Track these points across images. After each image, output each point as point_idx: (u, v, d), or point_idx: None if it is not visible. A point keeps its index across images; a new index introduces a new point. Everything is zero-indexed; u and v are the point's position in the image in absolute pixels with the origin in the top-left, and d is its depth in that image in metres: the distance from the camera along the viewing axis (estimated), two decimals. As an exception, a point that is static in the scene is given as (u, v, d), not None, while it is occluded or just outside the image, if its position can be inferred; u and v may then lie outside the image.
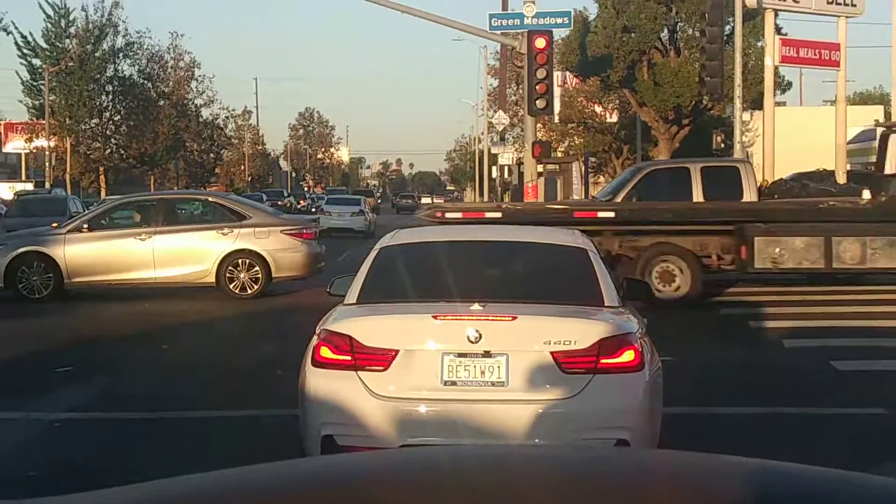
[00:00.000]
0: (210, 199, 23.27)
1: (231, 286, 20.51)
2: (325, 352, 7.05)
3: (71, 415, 10.47)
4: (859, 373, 12.33)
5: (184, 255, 20.34)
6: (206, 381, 12.41)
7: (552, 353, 6.85)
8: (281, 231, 21.00)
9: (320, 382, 7.03)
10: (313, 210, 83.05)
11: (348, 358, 6.96)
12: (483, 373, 6.90)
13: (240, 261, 20.59)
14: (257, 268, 20.59)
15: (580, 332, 6.97)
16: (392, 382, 6.89)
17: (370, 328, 7.15)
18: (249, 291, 20.52)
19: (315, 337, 7.28)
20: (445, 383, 6.90)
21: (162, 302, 20.03)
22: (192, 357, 14.34)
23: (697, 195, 20.69)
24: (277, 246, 20.74)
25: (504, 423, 6.74)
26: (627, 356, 6.92)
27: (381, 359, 6.93)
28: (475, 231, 11.41)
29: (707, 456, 1.77)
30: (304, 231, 21.53)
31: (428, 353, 6.99)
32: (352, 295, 7.71)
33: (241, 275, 20.57)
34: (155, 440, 9.33)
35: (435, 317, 7.10)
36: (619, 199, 20.99)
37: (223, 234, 20.66)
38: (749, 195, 20.74)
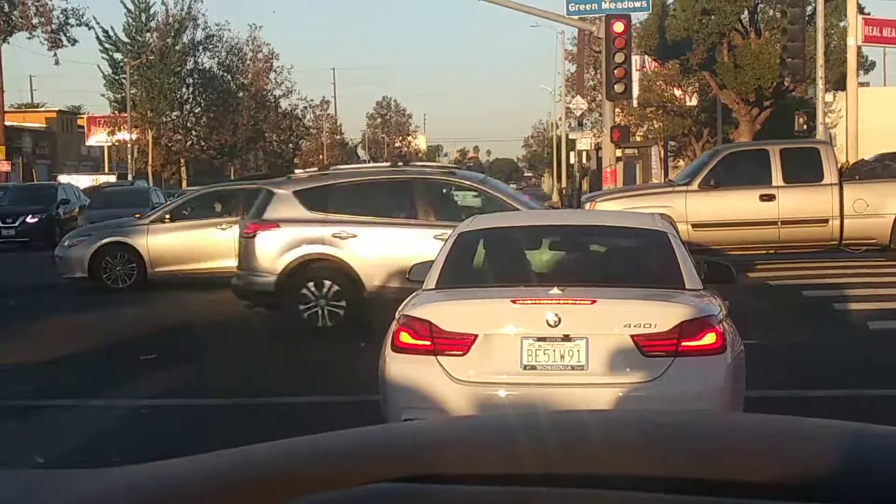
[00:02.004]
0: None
1: None
2: (405, 337, 7.09)
3: (155, 401, 10.61)
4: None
5: None
6: (290, 367, 12.50)
7: (632, 336, 6.82)
8: None
9: (400, 367, 7.09)
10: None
11: (428, 343, 7.00)
12: (563, 357, 6.89)
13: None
14: None
15: (660, 315, 6.93)
16: (471, 367, 6.92)
17: (449, 313, 7.16)
18: None
19: (395, 322, 7.32)
20: (525, 367, 6.90)
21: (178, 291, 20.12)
22: (270, 344, 14.44)
23: (777, 177, 20.49)
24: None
25: (584, 407, 6.62)
26: (709, 339, 6.86)
27: (460, 343, 6.95)
28: (554, 216, 11.42)
29: (794, 419, 1.75)
30: None
31: (507, 337, 6.98)
32: (430, 280, 7.74)
33: None
34: (242, 426, 9.42)
35: (514, 301, 7.08)
36: (696, 183, 20.84)
37: None
38: (829, 177, 20.49)
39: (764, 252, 21.31)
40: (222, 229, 20.62)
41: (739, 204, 20.47)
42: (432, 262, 8.11)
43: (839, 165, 21.42)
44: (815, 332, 13.86)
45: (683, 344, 6.81)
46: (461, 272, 7.83)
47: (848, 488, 1.42)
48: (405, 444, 1.67)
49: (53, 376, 12.17)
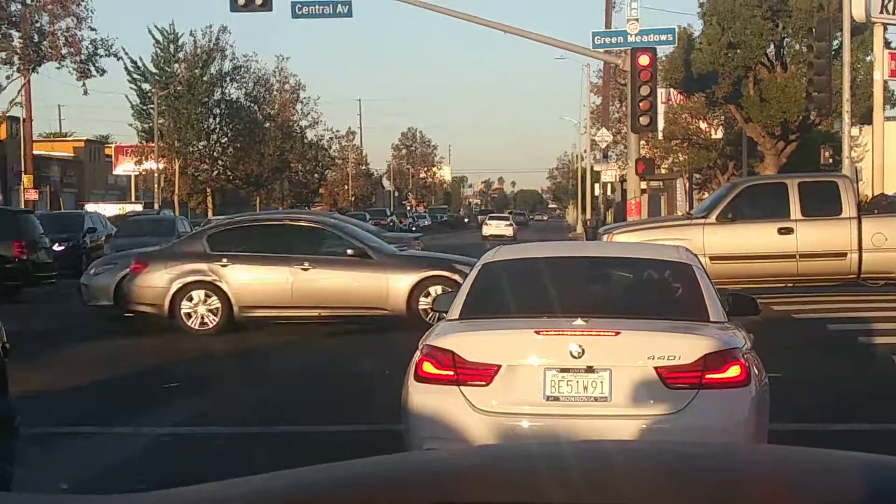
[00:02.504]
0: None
1: None
2: (428, 367, 7.09)
3: (177, 429, 10.64)
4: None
5: None
6: (310, 396, 12.52)
7: (656, 368, 6.81)
8: None
9: (423, 397, 7.09)
10: (413, 228, 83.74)
11: (451, 373, 6.99)
12: (586, 388, 6.88)
13: None
14: None
15: (685, 346, 6.93)
16: (494, 397, 6.90)
17: (472, 343, 7.16)
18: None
19: (418, 352, 7.32)
20: (548, 398, 6.90)
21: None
22: (295, 372, 14.47)
23: (795, 211, 20.47)
24: None
25: (608, 438, 6.57)
26: (733, 371, 6.85)
27: (483, 374, 6.95)
28: (578, 247, 11.45)
29: (819, 451, 1.75)
30: (407, 248, 21.61)
31: (530, 368, 6.98)
32: (454, 311, 7.74)
33: None
34: (265, 454, 9.43)
35: (537, 332, 7.08)
36: (714, 215, 20.82)
37: None
38: (848, 210, 20.45)
39: (782, 286, 21.24)
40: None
41: (757, 237, 20.44)
42: (457, 292, 8.16)
43: (858, 199, 21.38)
44: (840, 366, 13.79)
45: (707, 376, 6.80)
46: (485, 302, 7.81)
47: None
48: (427, 472, 1.68)
49: (78, 403, 12.22)
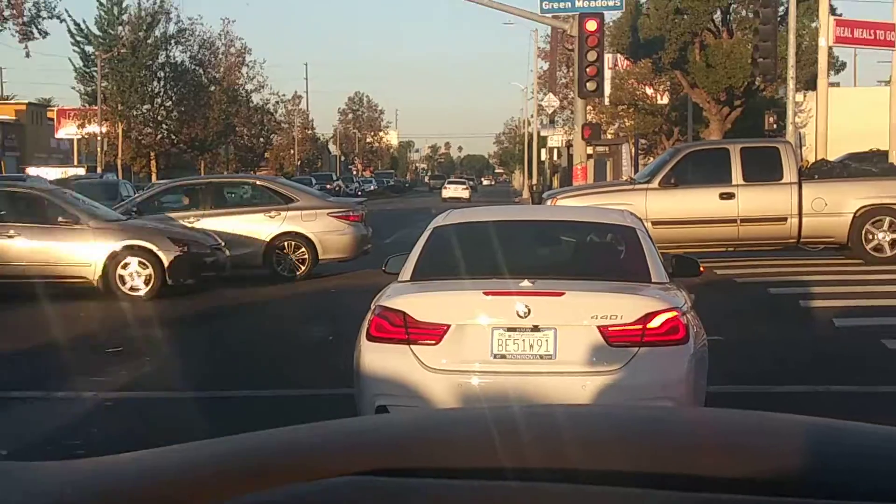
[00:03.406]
0: (258, 182, 23.44)
1: (278, 268, 20.67)
2: (380, 327, 7.31)
3: (121, 394, 10.57)
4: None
5: (232, 237, 20.46)
6: (256, 360, 12.48)
7: (599, 327, 7.06)
8: (328, 214, 21.09)
9: (374, 356, 7.30)
10: (359, 193, 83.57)
11: (402, 332, 7.22)
12: (532, 346, 7.13)
13: (287, 243, 20.76)
14: (304, 250, 20.74)
15: (626, 306, 7.18)
16: (444, 356, 7.14)
17: (423, 304, 7.38)
18: (297, 273, 20.65)
19: (370, 313, 7.51)
20: (495, 356, 7.13)
21: (208, 283, 20.10)
22: (241, 337, 14.42)
23: (737, 176, 20.66)
24: (324, 228, 20.86)
25: (552, 395, 6.93)
26: (672, 330, 7.12)
27: (433, 333, 7.18)
28: (527, 211, 11.63)
29: (761, 413, 1.76)
30: (351, 214, 21.54)
31: (478, 327, 7.20)
32: (406, 273, 7.98)
33: (289, 256, 20.73)
34: (206, 419, 9.38)
35: (485, 293, 7.32)
36: (657, 181, 20.96)
37: (270, 216, 20.79)
38: (789, 176, 20.68)
39: (724, 250, 21.43)
40: (190, 223, 20.56)
41: (699, 202, 20.60)
42: (407, 254, 8.29)
43: (799, 165, 21.59)
44: (782, 330, 13.93)
45: (648, 334, 7.05)
46: (435, 265, 8.01)
47: (810, 483, 1.43)
48: (377, 436, 1.67)
49: (16, 368, 12.12)
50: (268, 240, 20.69)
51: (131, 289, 18.13)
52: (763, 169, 20.76)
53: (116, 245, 18.24)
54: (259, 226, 20.81)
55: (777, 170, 20.75)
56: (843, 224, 20.74)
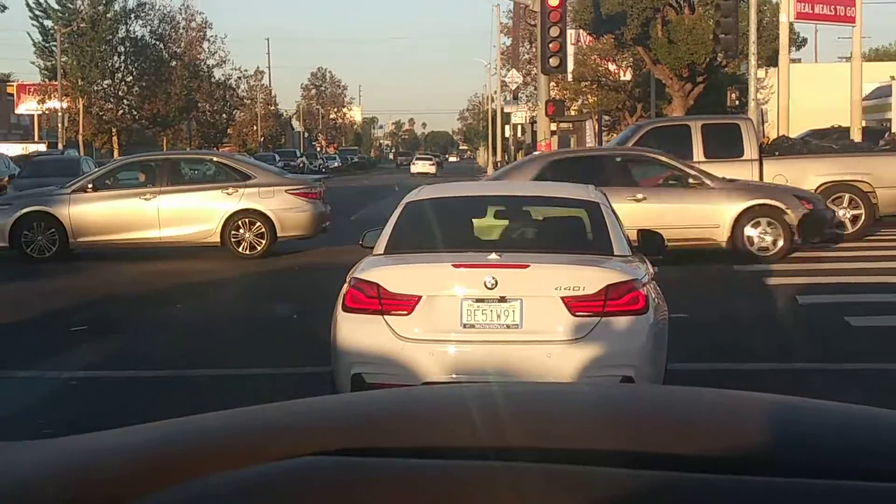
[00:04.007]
0: (214, 158, 23.21)
1: (236, 245, 20.52)
2: (355, 298, 7.66)
3: (87, 373, 10.51)
4: (874, 328, 12.29)
5: (189, 214, 20.33)
6: (220, 339, 12.44)
7: (562, 297, 7.42)
8: (286, 191, 20.93)
9: (350, 326, 7.65)
10: (323, 170, 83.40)
11: (375, 304, 7.55)
12: (499, 316, 7.49)
13: (245, 220, 20.58)
14: (262, 227, 20.56)
15: (588, 278, 7.53)
16: (416, 325, 7.49)
17: (395, 276, 7.71)
18: (255, 251, 20.52)
19: (346, 284, 7.87)
20: (465, 326, 7.50)
21: (167, 262, 20.03)
22: (203, 316, 14.37)
23: (698, 153, 20.76)
24: (282, 206, 20.67)
25: (518, 362, 7.39)
26: (632, 300, 7.48)
27: (405, 304, 7.52)
28: (495, 186, 12.67)
29: (725, 391, 1.77)
30: (310, 191, 21.41)
31: (448, 298, 7.56)
32: (380, 246, 8.33)
33: (246, 234, 20.56)
34: (172, 398, 9.36)
35: (455, 265, 7.67)
36: None
37: (228, 193, 20.60)
38: (750, 152, 20.80)
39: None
40: (146, 199, 20.42)
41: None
42: (382, 228, 8.59)
43: (760, 141, 21.70)
44: (746, 307, 14.00)
45: (609, 305, 7.41)
46: (407, 238, 8.34)
47: (775, 461, 1.44)
48: (346, 415, 1.67)
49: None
50: (225, 217, 20.48)
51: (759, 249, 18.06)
52: (724, 145, 20.85)
53: (745, 204, 18.09)
54: (216, 203, 20.59)
55: (738, 146, 20.86)
56: None
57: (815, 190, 20.79)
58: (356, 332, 7.61)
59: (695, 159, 20.64)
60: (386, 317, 7.52)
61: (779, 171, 20.79)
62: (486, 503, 1.37)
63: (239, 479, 1.44)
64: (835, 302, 13.93)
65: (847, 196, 21.09)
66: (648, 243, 9.19)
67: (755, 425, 1.54)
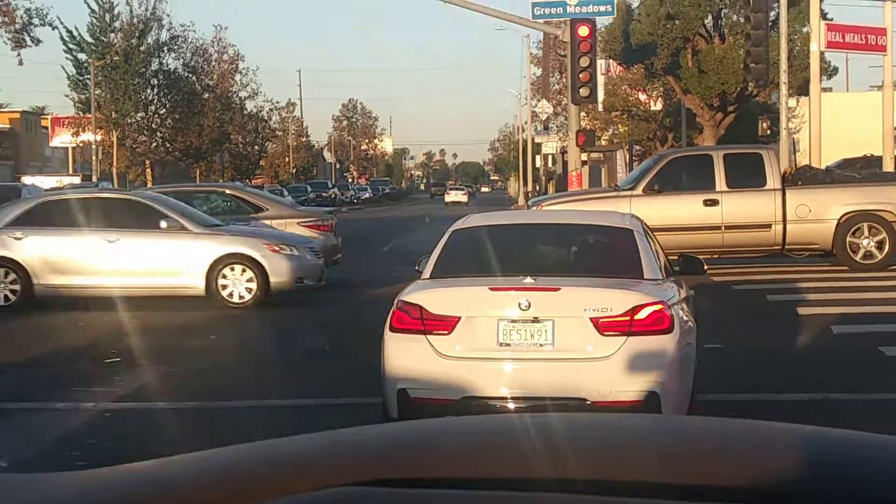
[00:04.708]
0: (227, 191, 23.15)
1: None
2: (400, 319, 8.24)
3: (119, 405, 10.55)
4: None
5: None
6: (255, 371, 12.47)
7: (591, 318, 7.91)
8: (298, 223, 20.94)
9: (396, 345, 8.23)
10: (355, 201, 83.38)
11: (419, 324, 8.10)
12: (532, 336, 8.00)
13: None
14: None
15: (616, 300, 8.01)
16: (455, 344, 8.03)
17: (437, 299, 8.28)
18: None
19: (393, 306, 8.41)
20: (500, 345, 8.01)
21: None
22: (239, 347, 14.40)
23: (720, 183, 20.75)
24: None
25: (550, 379, 7.90)
26: (658, 321, 7.92)
27: (446, 324, 8.07)
28: (536, 215, 13.53)
29: (757, 422, 1.77)
30: (322, 223, 21.39)
31: (486, 319, 8.09)
32: (427, 271, 8.97)
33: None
34: (211, 430, 9.38)
35: (492, 289, 8.24)
36: (641, 187, 21.00)
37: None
38: (772, 182, 20.75)
39: (708, 257, 21.44)
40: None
41: (683, 208, 20.62)
42: (430, 255, 9.22)
43: (782, 171, 21.67)
44: (780, 337, 13.93)
45: (635, 325, 7.87)
46: (451, 264, 8.95)
47: (805, 492, 1.44)
48: (376, 446, 1.67)
49: (15, 379, 12.10)
50: None
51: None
52: (746, 175, 20.83)
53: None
54: None
55: (760, 176, 20.84)
56: (827, 231, 20.82)
57: (840, 219, 20.75)
58: (401, 350, 8.17)
59: (717, 189, 20.64)
60: (428, 336, 8.04)
61: (802, 201, 20.75)
62: None
63: None
64: (869, 332, 13.83)
65: (866, 225, 20.99)
66: (688, 266, 10.07)
67: (784, 456, 1.54)
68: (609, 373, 7.80)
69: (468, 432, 1.77)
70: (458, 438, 1.71)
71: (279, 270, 18.04)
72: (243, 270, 18.00)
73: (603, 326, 7.87)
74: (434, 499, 1.45)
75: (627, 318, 7.86)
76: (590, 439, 1.67)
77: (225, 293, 18.00)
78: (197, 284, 17.93)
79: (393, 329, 8.26)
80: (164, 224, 18.15)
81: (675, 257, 10.33)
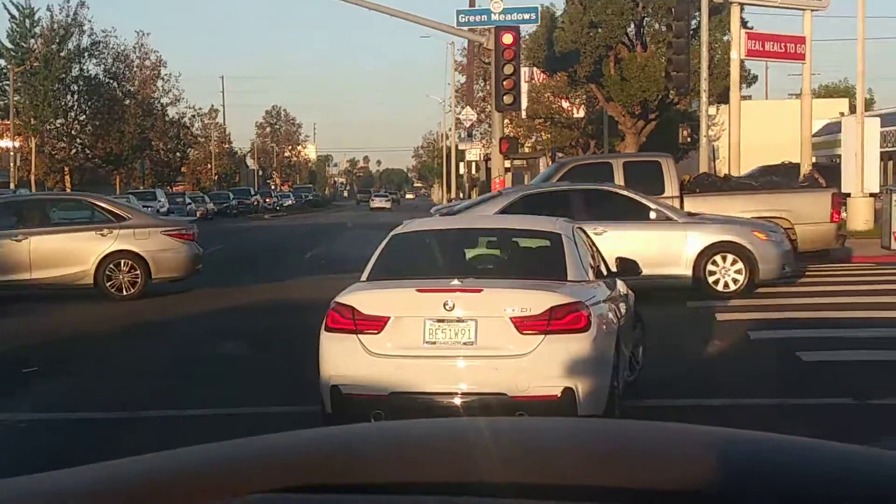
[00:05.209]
0: (88, 199, 22.62)
1: (110, 287, 20.26)
2: (334, 319, 8.63)
3: (35, 415, 10.40)
4: (825, 363, 12.37)
5: (62, 255, 20.09)
6: (179, 379, 12.35)
7: (511, 318, 8.32)
8: (161, 232, 20.83)
9: (330, 344, 8.63)
10: (277, 208, 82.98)
11: (351, 324, 8.49)
12: (457, 334, 8.40)
13: (120, 261, 20.34)
14: (137, 268, 20.32)
15: (534, 301, 8.41)
16: (385, 343, 8.42)
17: (368, 300, 8.69)
18: (129, 292, 20.25)
19: (329, 307, 8.78)
20: (427, 343, 8.42)
21: (36, 303, 19.78)
22: (154, 356, 14.27)
23: None
24: (158, 247, 20.53)
25: (472, 375, 8.37)
26: (574, 320, 8.34)
27: (376, 324, 8.46)
28: (474, 220, 14.18)
29: (675, 425, 1.78)
30: (185, 232, 21.28)
31: (413, 319, 8.48)
32: (364, 274, 9.37)
33: (121, 276, 20.30)
34: (127, 440, 9.27)
35: (419, 290, 8.65)
36: None
37: (102, 234, 20.41)
38: (670, 189, 21.11)
39: None
40: (17, 240, 20.16)
41: None
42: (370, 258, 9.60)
43: (680, 178, 22.01)
44: (699, 342, 14.07)
45: (553, 324, 8.26)
46: (387, 267, 9.37)
47: (722, 493, 1.44)
48: (295, 454, 1.66)
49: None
50: (99, 258, 20.21)
51: None
52: (645, 182, 21.08)
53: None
54: (89, 244, 20.33)
55: (659, 183, 21.19)
56: None
57: None
58: (334, 349, 8.56)
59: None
60: (359, 335, 8.44)
61: (700, 209, 21.14)
62: None
63: None
64: (786, 337, 14.01)
65: None
66: (626, 268, 10.62)
67: (720, 459, 1.55)
68: (527, 369, 8.19)
69: (391, 438, 1.76)
70: (381, 444, 1.70)
71: (767, 258, 18.47)
72: (734, 261, 18.37)
73: (522, 326, 8.27)
74: None
75: (545, 318, 8.26)
76: (514, 442, 1.68)
77: (711, 280, 18.50)
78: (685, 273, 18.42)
79: (328, 329, 8.64)
80: (652, 216, 18.46)
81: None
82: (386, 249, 9.64)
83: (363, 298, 8.69)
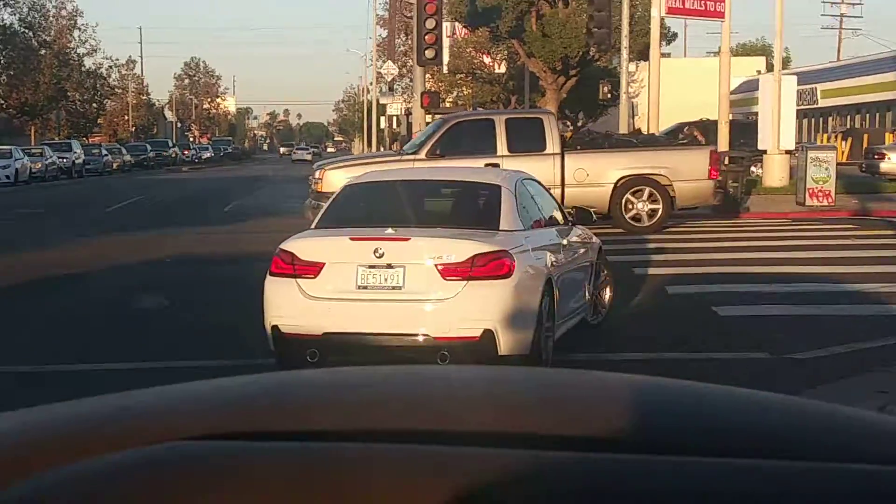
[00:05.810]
0: None
1: None
2: (277, 264, 9.30)
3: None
4: (740, 318, 12.54)
5: None
6: (94, 333, 12.22)
7: (436, 265, 8.94)
8: None
9: (273, 287, 9.30)
10: (196, 161, 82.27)
11: (290, 269, 9.16)
12: (386, 280, 9.03)
13: None
14: None
15: (458, 249, 9.01)
16: (320, 286, 9.07)
17: (306, 247, 9.35)
18: None
19: (274, 254, 9.42)
20: (359, 287, 9.06)
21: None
22: (80, 306, 14.10)
23: (501, 147, 21.12)
24: None
25: (401, 317, 8.94)
26: (497, 267, 8.91)
27: (313, 269, 9.11)
28: (423, 172, 14.53)
29: (597, 373, 1.79)
30: None
31: (346, 265, 9.12)
32: (314, 223, 10.09)
33: None
34: (41, 394, 9.16)
35: (352, 238, 9.28)
36: (424, 152, 21.17)
37: None
38: (552, 146, 21.28)
39: None
40: None
41: None
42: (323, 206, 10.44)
43: (562, 135, 22.20)
44: (616, 296, 14.17)
45: (475, 271, 8.85)
46: (334, 216, 9.95)
47: (642, 439, 1.44)
48: (215, 401, 1.63)
49: None
50: None
51: None
52: (527, 140, 21.26)
53: None
54: None
55: (541, 140, 21.35)
56: (604, 194, 21.62)
57: (616, 183, 21.61)
58: (276, 292, 9.22)
59: (498, 153, 20.95)
60: (298, 279, 9.08)
61: (580, 165, 21.32)
62: (356, 485, 1.35)
63: (83, 471, 1.39)
64: (703, 292, 14.17)
65: (647, 189, 21.70)
66: (581, 217, 11.57)
67: (631, 405, 1.55)
68: (450, 312, 8.80)
69: (310, 385, 1.74)
70: (306, 391, 1.68)
71: None
72: None
73: (445, 272, 8.87)
74: (263, 451, 1.41)
75: (468, 265, 8.85)
76: (431, 389, 1.67)
77: None
78: None
79: (271, 273, 9.31)
80: None
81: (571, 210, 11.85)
82: (337, 199, 10.32)
83: (302, 245, 9.35)
